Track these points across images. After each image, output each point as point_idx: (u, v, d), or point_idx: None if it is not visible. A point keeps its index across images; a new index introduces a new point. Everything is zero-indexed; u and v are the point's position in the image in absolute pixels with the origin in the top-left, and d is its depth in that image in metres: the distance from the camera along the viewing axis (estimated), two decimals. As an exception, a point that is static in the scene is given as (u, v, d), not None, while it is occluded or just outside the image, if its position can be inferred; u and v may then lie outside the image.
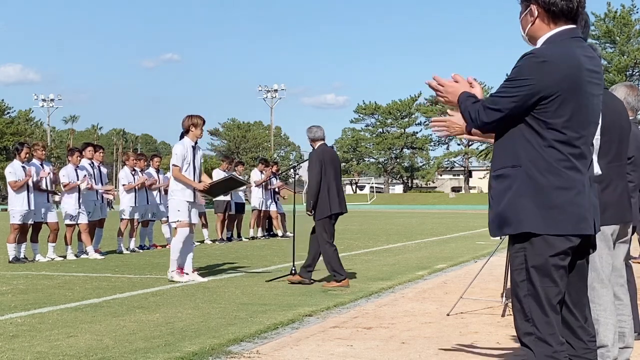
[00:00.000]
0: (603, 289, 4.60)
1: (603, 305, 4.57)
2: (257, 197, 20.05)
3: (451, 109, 3.77)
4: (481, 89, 3.49)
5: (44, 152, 13.94)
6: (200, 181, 10.57)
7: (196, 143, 10.62)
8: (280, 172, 22.66)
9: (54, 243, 13.69)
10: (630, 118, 5.11)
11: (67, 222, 14.04)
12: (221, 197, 18.60)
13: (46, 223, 13.61)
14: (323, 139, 10.36)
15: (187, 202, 10.35)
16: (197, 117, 10.54)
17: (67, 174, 14.13)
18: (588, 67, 3.28)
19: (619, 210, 4.65)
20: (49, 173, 13.54)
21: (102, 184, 14.90)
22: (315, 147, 10.29)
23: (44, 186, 13.48)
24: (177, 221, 10.36)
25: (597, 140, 3.88)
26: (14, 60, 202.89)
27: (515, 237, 3.29)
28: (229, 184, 11.22)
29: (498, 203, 3.31)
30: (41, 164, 13.68)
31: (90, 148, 15.08)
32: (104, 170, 15.16)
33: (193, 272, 10.45)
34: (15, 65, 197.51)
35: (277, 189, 20.68)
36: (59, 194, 14.17)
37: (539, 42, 3.36)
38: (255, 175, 20.55)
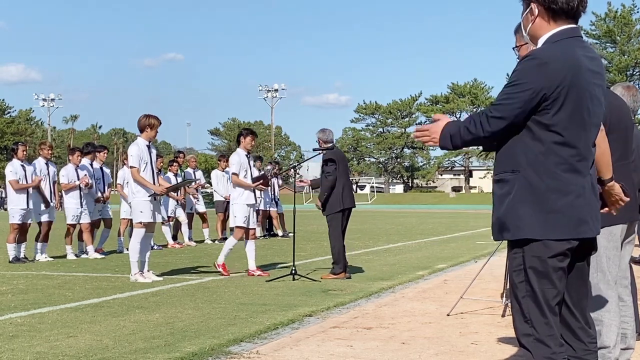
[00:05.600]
0: (609, 290, 4.58)
1: (607, 306, 4.55)
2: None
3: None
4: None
5: (50, 152, 14.01)
6: (158, 184, 10.68)
7: (150, 142, 10.64)
8: (280, 172, 22.63)
9: (44, 243, 13.64)
10: None
11: (70, 221, 14.04)
12: (222, 198, 18.60)
13: (38, 222, 13.57)
14: (333, 141, 11.30)
15: (150, 202, 10.37)
16: (154, 118, 10.55)
17: (66, 174, 14.15)
18: (589, 68, 3.27)
19: (627, 209, 4.60)
20: (41, 179, 13.48)
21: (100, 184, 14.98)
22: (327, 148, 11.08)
23: (43, 187, 13.48)
24: (140, 222, 10.37)
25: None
26: (16, 59, 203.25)
27: (514, 240, 3.29)
28: (183, 184, 11.33)
29: (498, 208, 3.31)
30: (46, 163, 13.73)
31: (105, 151, 15.56)
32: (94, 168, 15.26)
33: (148, 271, 10.47)
34: (17, 65, 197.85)
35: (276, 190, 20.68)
36: (60, 194, 14.19)
37: (540, 41, 3.35)
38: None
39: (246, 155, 11.15)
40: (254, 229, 11.37)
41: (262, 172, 11.24)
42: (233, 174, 11.02)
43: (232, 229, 11.38)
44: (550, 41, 3.31)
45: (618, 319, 4.61)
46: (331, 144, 11.13)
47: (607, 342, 4.49)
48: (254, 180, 11.06)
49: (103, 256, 14.07)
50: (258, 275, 10.86)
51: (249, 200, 11.01)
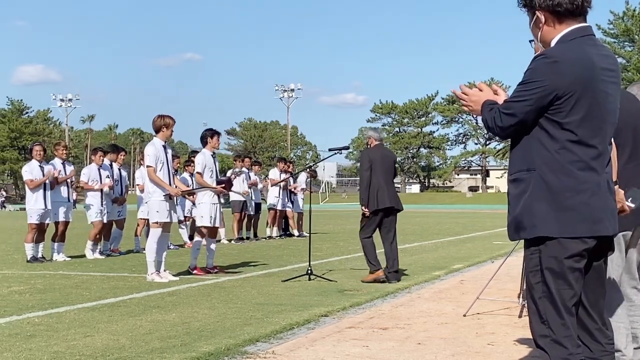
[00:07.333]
0: (613, 293, 4.55)
1: (612, 309, 4.52)
2: (273, 196, 20.05)
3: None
4: (505, 96, 3.46)
5: (65, 152, 14.10)
6: (174, 184, 10.73)
7: (166, 142, 10.69)
8: (296, 172, 22.66)
9: (61, 243, 13.70)
10: None
11: (94, 219, 14.09)
12: (238, 197, 18.64)
13: (55, 222, 13.64)
14: (380, 140, 10.82)
15: (166, 201, 10.41)
16: (169, 118, 10.64)
17: (88, 172, 14.26)
18: (602, 66, 3.26)
19: (633, 216, 4.53)
20: (59, 171, 13.60)
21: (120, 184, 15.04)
22: (372, 147, 10.69)
23: (63, 177, 13.60)
24: (156, 222, 10.41)
25: None
26: (36, 60, 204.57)
27: (530, 239, 3.27)
28: (200, 189, 11.40)
29: (514, 207, 3.31)
30: (63, 163, 13.82)
31: (123, 153, 15.69)
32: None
33: (165, 271, 10.50)
34: (36, 66, 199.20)
35: (294, 189, 20.66)
36: (78, 190, 14.30)
37: (552, 44, 3.34)
38: (274, 174, 20.55)
39: (212, 156, 11.38)
40: (217, 227, 11.67)
41: (227, 177, 11.27)
42: (197, 173, 11.34)
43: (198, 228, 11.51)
44: (562, 41, 3.30)
45: (626, 320, 4.59)
46: (379, 142, 10.69)
47: (617, 345, 4.46)
48: (218, 183, 11.16)
49: (102, 257, 14.06)
50: (215, 273, 11.16)
51: (214, 199, 11.25)
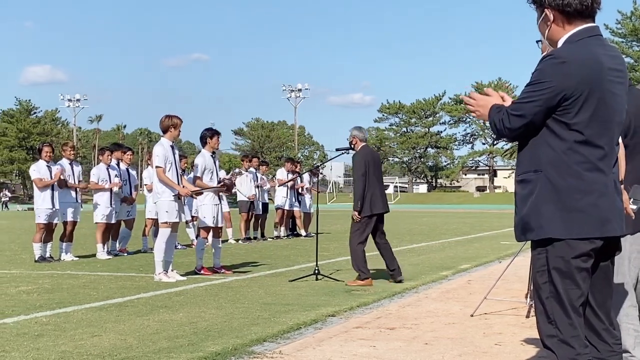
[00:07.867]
0: (627, 294, 4.53)
1: (625, 309, 4.50)
2: (281, 197, 20.05)
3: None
4: (512, 101, 3.46)
5: (72, 152, 14.13)
6: (182, 185, 10.73)
7: (173, 143, 10.71)
8: (302, 172, 22.64)
9: (69, 242, 13.73)
10: None
11: (98, 220, 14.11)
12: (245, 198, 18.67)
13: (63, 222, 13.66)
14: (364, 140, 10.61)
15: (175, 202, 10.43)
16: (176, 118, 10.65)
17: (97, 173, 14.29)
18: (609, 66, 3.25)
19: None
20: (66, 173, 13.63)
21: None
22: (359, 149, 10.40)
23: (71, 181, 13.63)
24: (165, 222, 10.42)
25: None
26: (43, 61, 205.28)
27: (538, 240, 3.27)
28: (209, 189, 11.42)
29: (521, 208, 3.30)
30: (70, 164, 13.85)
31: (130, 152, 15.67)
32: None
33: (172, 271, 10.52)
34: (44, 66, 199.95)
35: (300, 189, 20.65)
36: (87, 190, 14.33)
37: (559, 44, 3.33)
38: (281, 174, 20.54)
39: (211, 156, 11.39)
40: (221, 227, 11.67)
41: (229, 178, 11.27)
42: (196, 177, 11.28)
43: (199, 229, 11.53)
44: (569, 41, 3.29)
45: (637, 322, 4.57)
46: (364, 142, 10.47)
47: (625, 346, 4.44)
48: (218, 183, 11.19)
49: (109, 257, 14.05)
50: (222, 273, 11.17)
51: (215, 200, 11.29)
